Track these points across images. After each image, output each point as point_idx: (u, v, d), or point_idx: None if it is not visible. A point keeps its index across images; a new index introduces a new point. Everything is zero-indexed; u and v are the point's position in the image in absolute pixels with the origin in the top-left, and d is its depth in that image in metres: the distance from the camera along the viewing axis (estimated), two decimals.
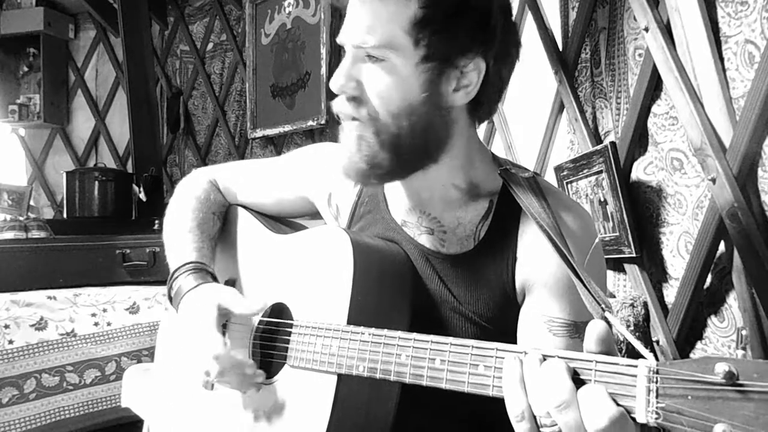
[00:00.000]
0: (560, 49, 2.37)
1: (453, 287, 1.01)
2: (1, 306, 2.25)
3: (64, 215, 4.04)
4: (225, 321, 1.08)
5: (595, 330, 0.67)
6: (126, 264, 2.68)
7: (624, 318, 1.97)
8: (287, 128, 3.72)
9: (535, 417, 0.68)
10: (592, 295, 0.81)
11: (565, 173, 2.24)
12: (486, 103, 1.01)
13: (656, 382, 0.59)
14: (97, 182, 3.83)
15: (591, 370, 0.65)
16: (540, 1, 2.47)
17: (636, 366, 0.61)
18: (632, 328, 1.97)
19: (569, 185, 2.24)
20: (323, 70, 3.41)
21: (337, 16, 3.38)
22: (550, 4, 2.43)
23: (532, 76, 2.54)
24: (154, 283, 2.65)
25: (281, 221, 1.33)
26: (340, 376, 0.90)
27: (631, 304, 1.99)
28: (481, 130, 2.76)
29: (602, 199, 2.09)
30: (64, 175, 3.97)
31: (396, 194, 1.10)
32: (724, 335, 1.81)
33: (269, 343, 1.09)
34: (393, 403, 0.95)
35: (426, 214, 1.06)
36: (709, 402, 0.56)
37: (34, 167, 5.26)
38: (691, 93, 1.77)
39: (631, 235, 2.00)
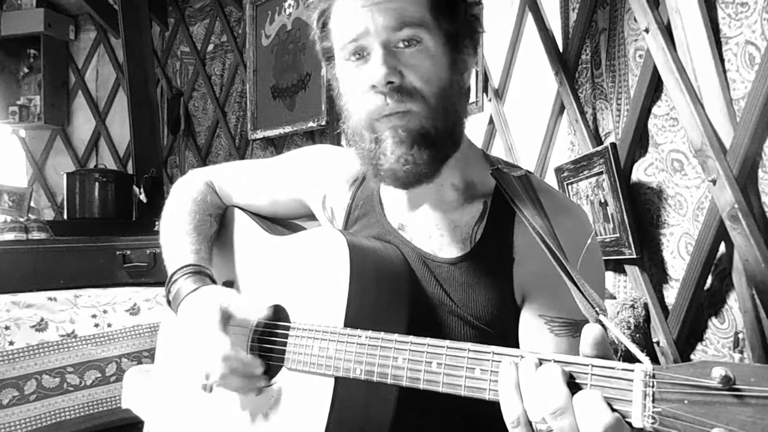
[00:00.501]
0: (561, 50, 2.37)
1: (451, 291, 1.01)
2: (1, 307, 2.25)
3: (65, 216, 4.05)
4: (226, 323, 1.08)
5: (590, 334, 0.67)
6: (126, 265, 2.68)
7: (624, 319, 1.97)
8: (287, 129, 3.72)
9: (530, 422, 0.68)
10: (586, 298, 0.80)
11: (565, 174, 2.24)
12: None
13: (652, 387, 0.59)
14: (97, 183, 3.84)
15: (587, 374, 0.64)
16: (540, 2, 2.47)
17: (632, 370, 0.61)
18: (633, 329, 1.97)
19: (570, 186, 2.24)
20: (324, 71, 3.41)
21: None
22: (551, 5, 2.43)
23: (533, 78, 2.54)
24: (154, 285, 2.66)
25: (278, 222, 1.32)
26: (337, 378, 0.90)
27: (632, 306, 1.99)
28: (482, 131, 2.76)
29: (603, 201, 2.09)
30: (65, 176, 3.97)
31: (392, 198, 1.10)
32: (724, 336, 1.80)
33: (267, 346, 1.08)
34: (391, 406, 0.94)
35: (423, 217, 1.06)
36: (705, 406, 0.55)
37: (34, 168, 5.26)
38: (692, 94, 1.77)
39: (631, 237, 2.00)
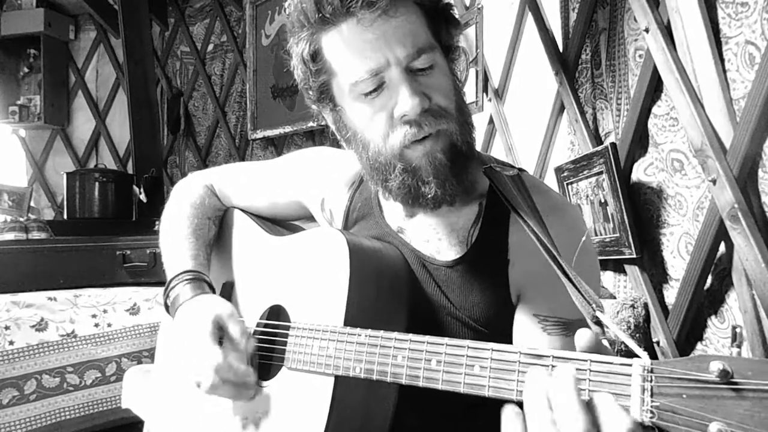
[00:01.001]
0: (561, 50, 2.37)
1: (449, 293, 1.01)
2: (1, 307, 2.25)
3: (65, 216, 4.05)
4: (221, 335, 1.06)
5: (582, 339, 0.67)
6: (126, 265, 2.68)
7: (624, 319, 1.97)
8: (288, 129, 3.72)
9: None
10: (583, 295, 0.81)
11: (565, 174, 2.24)
12: None
13: (650, 381, 0.59)
14: (97, 183, 3.84)
15: (585, 370, 0.65)
16: (540, 2, 2.47)
17: (630, 365, 0.61)
18: (633, 329, 1.97)
19: (569, 186, 2.24)
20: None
21: None
22: (551, 5, 2.43)
23: (533, 77, 2.54)
24: (154, 285, 2.66)
25: (278, 223, 1.33)
26: (337, 377, 0.90)
27: (632, 305, 1.99)
28: (482, 131, 2.76)
29: (603, 200, 2.09)
30: (65, 176, 3.97)
31: (392, 201, 1.10)
32: (724, 336, 1.81)
33: (267, 346, 1.09)
34: (390, 405, 0.95)
35: (421, 221, 1.06)
36: (703, 401, 0.56)
37: (34, 168, 5.26)
38: (692, 94, 1.77)
39: (631, 236, 2.00)
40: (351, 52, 0.92)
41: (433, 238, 1.05)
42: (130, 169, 4.49)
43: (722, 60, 1.73)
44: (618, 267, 2.17)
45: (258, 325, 1.13)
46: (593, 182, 2.12)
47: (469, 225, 1.02)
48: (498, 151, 2.69)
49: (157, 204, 3.74)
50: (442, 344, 0.78)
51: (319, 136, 3.62)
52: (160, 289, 1.22)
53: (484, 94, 2.75)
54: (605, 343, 0.70)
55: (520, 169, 1.05)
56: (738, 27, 1.68)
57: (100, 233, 3.37)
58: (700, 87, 1.77)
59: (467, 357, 0.75)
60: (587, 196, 2.17)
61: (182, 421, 1.21)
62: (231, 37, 4.29)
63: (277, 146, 3.99)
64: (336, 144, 1.17)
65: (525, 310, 0.97)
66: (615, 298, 2.13)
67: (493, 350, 0.73)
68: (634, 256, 2.01)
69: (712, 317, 1.84)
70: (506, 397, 0.71)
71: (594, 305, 0.79)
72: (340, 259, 0.96)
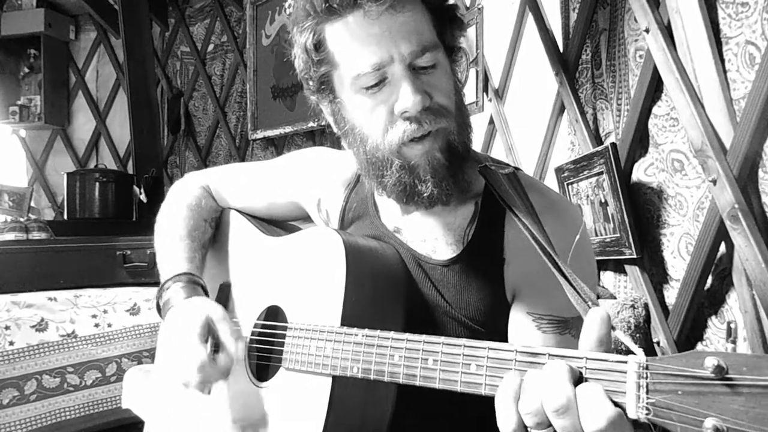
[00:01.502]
0: (561, 50, 2.37)
1: (445, 292, 1.01)
2: (1, 307, 2.25)
3: (65, 216, 4.05)
4: (209, 336, 1.06)
5: (597, 313, 0.67)
6: (126, 265, 2.68)
7: (625, 319, 1.97)
8: (288, 129, 3.72)
9: (526, 428, 0.68)
10: (578, 293, 0.81)
11: (565, 174, 2.24)
12: None
13: (646, 378, 0.59)
14: (97, 183, 3.84)
15: (582, 367, 0.65)
16: (541, 2, 2.47)
17: (626, 362, 0.61)
18: (633, 329, 1.97)
19: (570, 186, 2.24)
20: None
21: None
22: (551, 5, 2.43)
23: (533, 78, 2.54)
24: (154, 285, 2.65)
25: (274, 224, 1.33)
26: (334, 377, 0.90)
27: (632, 306, 1.99)
28: (482, 131, 2.76)
29: (603, 201, 2.09)
30: (65, 176, 3.97)
31: (387, 201, 1.10)
32: (724, 336, 1.80)
33: (265, 346, 1.09)
34: (389, 405, 0.95)
35: (417, 221, 1.06)
36: (699, 396, 0.56)
37: (34, 168, 5.26)
38: (692, 94, 1.77)
39: (631, 237, 2.00)
40: (356, 44, 0.91)
41: (429, 237, 1.05)
42: (130, 170, 4.49)
43: (722, 60, 1.73)
44: (618, 267, 2.17)
45: (255, 325, 1.13)
46: (593, 182, 2.12)
47: (465, 224, 1.02)
48: (498, 152, 2.69)
49: (157, 204, 3.70)
50: (439, 343, 0.78)
51: (319, 137, 3.62)
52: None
53: (485, 95, 2.75)
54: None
55: (516, 168, 1.05)
56: (738, 27, 1.68)
57: (101, 233, 3.37)
58: (700, 87, 1.77)
59: (464, 356, 0.75)
60: (587, 197, 2.17)
61: (182, 422, 1.21)
62: (231, 38, 4.29)
63: (277, 146, 3.99)
64: (336, 144, 1.17)
65: (520, 308, 0.98)
66: (615, 298, 2.13)
67: (489, 349, 0.73)
68: (635, 256, 2.01)
69: (713, 317, 1.84)
70: None
71: (589, 303, 0.79)
72: (336, 259, 0.96)
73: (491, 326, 1.00)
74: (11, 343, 2.24)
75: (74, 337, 2.39)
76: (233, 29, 4.30)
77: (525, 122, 2.60)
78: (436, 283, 1.02)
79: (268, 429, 1.02)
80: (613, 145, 2.02)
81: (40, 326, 2.33)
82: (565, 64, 2.33)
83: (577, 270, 0.85)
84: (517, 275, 0.99)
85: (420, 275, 1.03)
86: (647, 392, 0.59)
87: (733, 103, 1.70)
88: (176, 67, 4.79)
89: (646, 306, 2.00)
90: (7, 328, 2.24)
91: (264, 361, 1.09)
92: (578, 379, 0.65)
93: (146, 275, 2.69)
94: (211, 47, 4.50)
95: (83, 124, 5.20)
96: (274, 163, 1.32)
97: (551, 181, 2.35)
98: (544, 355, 0.68)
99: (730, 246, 1.72)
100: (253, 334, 1.13)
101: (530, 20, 2.54)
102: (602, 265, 2.22)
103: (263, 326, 1.11)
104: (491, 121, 2.74)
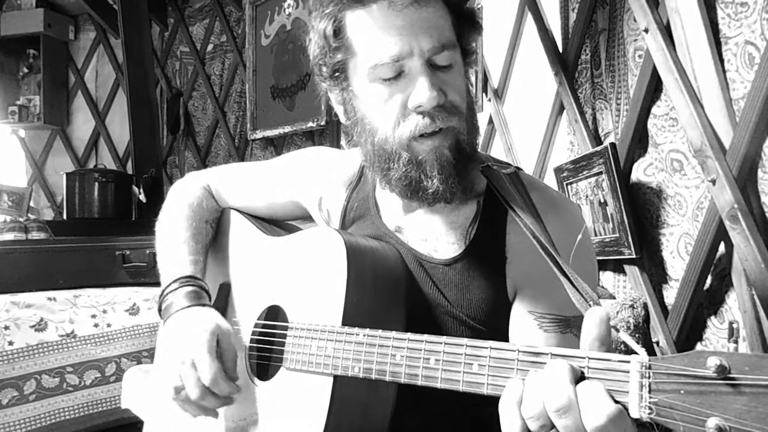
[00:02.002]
0: (560, 50, 2.37)
1: (446, 291, 1.01)
2: (1, 307, 2.25)
3: (64, 216, 4.05)
4: (217, 349, 1.06)
5: (596, 313, 0.67)
6: (126, 265, 2.68)
7: (624, 319, 1.97)
8: (287, 129, 3.72)
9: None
10: (580, 292, 0.81)
11: (565, 174, 2.24)
12: None
13: (648, 377, 0.60)
14: (97, 183, 3.84)
15: (584, 366, 0.65)
16: (540, 3, 2.47)
17: (628, 362, 0.61)
18: (632, 329, 1.97)
19: (569, 186, 2.24)
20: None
21: None
22: (551, 5, 2.44)
23: (532, 78, 2.54)
24: (154, 285, 2.65)
25: (275, 223, 1.32)
26: (335, 377, 0.90)
27: (631, 306, 1.99)
28: (481, 131, 2.76)
29: (602, 201, 2.09)
30: (64, 176, 3.97)
31: (388, 201, 1.10)
32: (724, 336, 1.81)
33: (266, 346, 1.09)
34: (390, 405, 0.95)
35: (419, 220, 1.06)
36: (701, 396, 0.56)
37: (34, 168, 5.26)
38: (691, 94, 1.77)
39: (631, 237, 2.00)
40: (378, 34, 0.91)
41: (431, 236, 1.05)
42: (129, 170, 4.49)
43: (722, 60, 1.73)
44: (617, 267, 2.17)
45: (256, 325, 1.13)
46: (593, 182, 2.12)
47: (467, 223, 1.03)
48: (498, 151, 2.69)
49: (156, 204, 3.69)
50: (441, 343, 0.78)
51: (318, 137, 3.62)
52: (160, 289, 1.21)
53: (484, 94, 2.75)
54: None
55: (517, 168, 1.05)
56: (737, 27, 1.68)
57: (100, 233, 3.36)
58: (699, 87, 1.77)
59: (466, 355, 0.75)
60: (587, 197, 2.17)
61: (181, 422, 1.21)
62: (230, 38, 4.28)
63: (276, 146, 3.99)
64: (335, 145, 1.17)
65: (521, 306, 0.98)
66: (614, 298, 2.13)
67: (491, 348, 0.73)
68: (634, 256, 2.01)
69: (712, 317, 1.84)
70: None
71: (591, 302, 0.79)
72: (337, 258, 0.96)
73: (493, 325, 1.00)
74: (10, 343, 2.24)
75: (73, 337, 2.39)
76: (232, 29, 4.30)
77: (524, 122, 2.60)
78: (437, 283, 1.02)
79: (268, 429, 1.02)
80: (613, 145, 2.02)
81: (40, 326, 2.33)
82: (564, 64, 2.33)
83: (578, 269, 0.85)
84: (518, 274, 0.99)
85: (421, 275, 1.03)
86: (650, 391, 0.59)
87: (733, 103, 1.70)
88: (175, 67, 4.79)
89: (645, 306, 2.00)
90: (6, 328, 2.24)
91: (265, 360, 1.09)
92: (579, 378, 0.65)
93: (146, 275, 2.68)
94: (210, 47, 4.50)
95: (82, 124, 5.19)
96: (274, 162, 1.32)
97: (551, 181, 2.35)
98: (547, 354, 0.68)
99: (730, 246, 1.72)
100: (254, 333, 1.13)
101: (529, 20, 2.54)
102: (602, 265, 2.22)
103: (264, 326, 1.11)
104: (490, 121, 2.74)
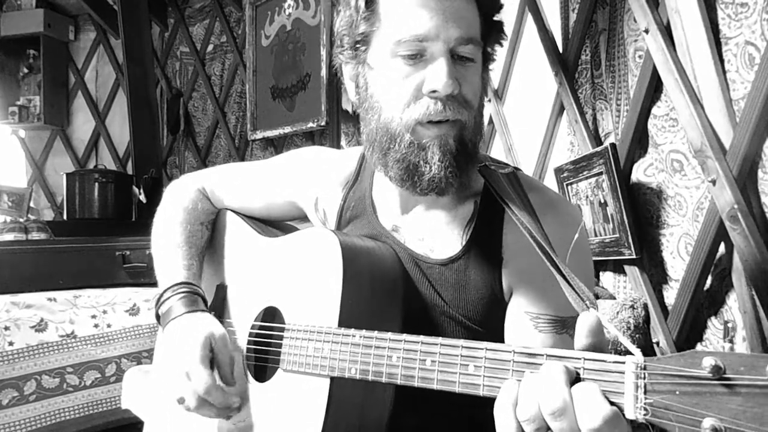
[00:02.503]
0: (560, 50, 2.37)
1: (443, 291, 1.01)
2: (1, 308, 2.25)
3: (64, 217, 4.05)
4: (211, 357, 1.07)
5: (586, 321, 0.67)
6: (126, 265, 2.68)
7: (624, 320, 1.97)
8: (287, 130, 3.72)
9: None
10: (576, 292, 0.81)
11: (565, 175, 2.24)
12: None
13: (644, 378, 0.60)
14: (97, 184, 3.84)
15: (579, 367, 0.65)
16: (540, 3, 2.47)
17: (623, 362, 0.61)
18: (632, 329, 1.97)
19: (569, 187, 2.24)
20: (323, 72, 3.41)
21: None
22: (551, 5, 2.43)
23: (532, 78, 2.54)
24: (154, 285, 2.62)
25: (271, 224, 1.32)
26: (332, 378, 0.90)
27: (631, 306, 1.99)
28: None
29: (602, 201, 2.09)
30: (64, 176, 3.97)
31: (385, 200, 1.10)
32: (722, 337, 1.80)
33: (263, 347, 1.09)
34: (387, 407, 0.94)
35: (416, 220, 1.06)
36: (696, 397, 0.56)
37: (34, 169, 5.26)
38: (691, 94, 1.77)
39: (631, 237, 2.00)
40: (408, 11, 0.92)
41: (428, 236, 1.05)
42: (129, 170, 4.49)
43: (722, 61, 1.73)
44: (618, 267, 2.17)
45: (253, 326, 1.13)
46: (593, 183, 2.12)
47: (463, 223, 1.02)
48: (498, 152, 2.69)
49: (156, 204, 3.71)
50: (437, 344, 0.78)
51: (318, 137, 3.62)
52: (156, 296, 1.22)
53: (484, 95, 2.75)
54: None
55: (516, 168, 1.05)
56: (738, 28, 1.68)
57: (100, 234, 3.37)
58: (699, 88, 1.77)
59: (461, 356, 0.75)
60: (587, 197, 2.17)
61: (181, 422, 1.21)
62: (231, 38, 4.28)
63: (276, 147, 3.99)
64: (335, 145, 1.17)
65: (517, 307, 0.98)
66: (615, 298, 2.13)
67: (487, 349, 0.73)
68: (634, 256, 2.01)
69: (712, 318, 1.84)
70: None
71: (587, 302, 0.79)
72: (333, 259, 0.96)
73: (489, 325, 1.00)
74: (11, 344, 2.24)
75: (74, 338, 2.39)
76: (233, 30, 4.30)
77: (524, 122, 2.60)
78: (433, 283, 1.02)
79: (266, 430, 1.02)
80: (613, 145, 2.02)
81: (40, 326, 2.33)
82: (564, 64, 2.33)
83: (576, 269, 0.85)
84: (515, 274, 0.99)
85: (417, 275, 1.03)
86: (645, 392, 0.59)
87: (733, 103, 1.70)
88: (176, 67, 4.79)
89: (645, 306, 2.00)
90: (6, 328, 2.24)
91: (262, 362, 1.09)
92: (575, 379, 0.65)
93: (146, 276, 2.68)
94: (210, 47, 4.50)
95: (82, 125, 5.19)
96: (270, 162, 1.32)
97: (550, 182, 2.35)
98: (542, 355, 0.68)
99: (730, 246, 1.72)
100: (250, 335, 1.12)
101: (529, 20, 2.54)
102: (602, 266, 2.22)
103: (261, 327, 1.11)
104: (490, 121, 2.74)
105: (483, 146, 2.68)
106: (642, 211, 2.04)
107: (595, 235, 2.15)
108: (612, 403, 0.61)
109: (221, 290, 1.25)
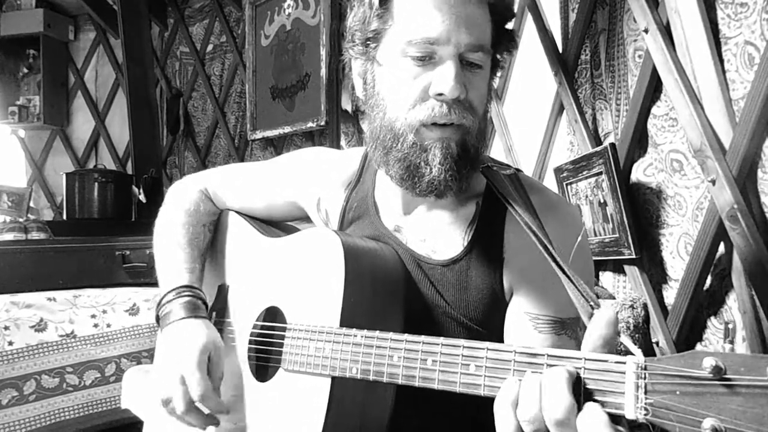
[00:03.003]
0: (560, 50, 2.37)
1: (444, 292, 1.02)
2: (0, 307, 2.25)
3: (64, 216, 4.04)
4: (208, 365, 1.08)
5: (605, 314, 0.68)
6: (126, 265, 2.68)
7: (624, 320, 1.97)
8: (287, 130, 3.72)
9: None
10: (581, 293, 0.81)
11: (564, 175, 2.24)
12: None
13: (644, 378, 0.60)
14: (96, 184, 3.83)
15: (580, 367, 0.65)
16: (540, 3, 2.47)
17: (624, 362, 0.62)
18: (632, 329, 1.97)
19: (569, 187, 2.24)
20: (323, 72, 3.41)
21: (337, 17, 3.38)
22: (550, 5, 2.43)
23: (532, 78, 2.54)
24: (154, 285, 2.65)
25: (273, 224, 1.33)
26: (333, 378, 0.91)
27: (631, 306, 1.99)
28: None
29: (602, 201, 2.09)
30: (64, 176, 3.96)
31: (387, 200, 1.10)
32: (723, 338, 1.81)
33: (264, 347, 1.09)
34: (388, 406, 0.95)
35: (418, 220, 1.06)
36: (697, 397, 0.56)
37: (33, 169, 5.26)
38: (691, 94, 1.77)
39: (630, 237, 2.00)
40: (423, 12, 0.92)
41: (429, 237, 1.05)
42: (129, 170, 4.49)
43: (721, 60, 1.73)
44: (617, 267, 2.17)
45: (254, 326, 1.13)
46: (592, 183, 2.12)
47: (465, 224, 1.03)
48: (497, 152, 2.69)
49: (156, 204, 3.69)
50: (438, 344, 0.78)
51: (318, 137, 3.62)
52: (159, 290, 1.22)
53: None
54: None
55: (517, 169, 1.06)
56: (737, 27, 1.68)
57: (100, 234, 3.36)
58: (699, 87, 1.77)
59: (462, 356, 0.75)
60: (587, 197, 2.17)
61: (182, 420, 1.21)
62: (230, 38, 4.28)
63: (276, 147, 3.99)
64: (335, 146, 1.17)
65: (517, 307, 0.98)
66: (614, 298, 2.13)
67: (488, 349, 0.73)
68: (634, 256, 2.01)
69: (712, 318, 1.84)
70: None
71: (592, 303, 0.80)
72: (335, 259, 0.96)
73: (490, 326, 1.00)
74: (10, 343, 2.24)
75: (73, 338, 2.39)
76: (232, 30, 4.29)
77: (524, 122, 2.60)
78: (435, 284, 1.02)
79: (267, 430, 1.02)
80: (612, 145, 2.02)
81: (39, 326, 2.32)
82: (564, 64, 2.33)
83: (576, 271, 0.85)
84: (515, 275, 0.99)
85: (419, 275, 1.03)
86: (646, 393, 0.59)
87: (732, 103, 1.70)
88: (175, 67, 4.78)
89: (645, 306, 2.00)
90: (6, 328, 2.24)
91: (263, 362, 1.09)
92: (576, 381, 0.65)
93: (145, 275, 2.68)
94: (210, 47, 4.50)
95: (82, 125, 5.19)
96: (272, 163, 1.32)
97: (550, 182, 2.35)
98: (543, 355, 0.68)
99: (729, 246, 1.72)
100: (252, 335, 1.13)
101: (529, 20, 2.54)
102: (601, 266, 2.22)
103: (262, 327, 1.11)
104: (490, 121, 2.74)
105: (483, 147, 2.68)
106: (642, 211, 2.04)
107: (595, 235, 2.15)
108: (610, 402, 0.62)
109: (223, 290, 1.25)
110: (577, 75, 2.32)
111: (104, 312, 2.50)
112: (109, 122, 5.07)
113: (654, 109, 1.98)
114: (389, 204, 1.10)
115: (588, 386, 0.64)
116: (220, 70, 4.43)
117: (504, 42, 1.00)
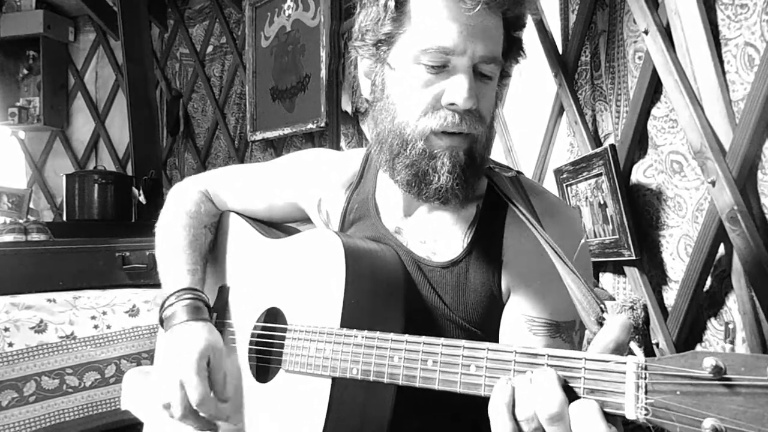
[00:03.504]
0: (560, 51, 2.37)
1: (443, 294, 1.02)
2: (0, 309, 2.25)
3: (64, 218, 4.04)
4: (208, 369, 1.08)
5: (619, 320, 0.69)
6: (126, 267, 2.68)
7: None
8: (287, 131, 3.72)
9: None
10: (589, 294, 0.81)
11: (564, 176, 2.24)
12: None
13: (645, 378, 0.60)
14: (96, 185, 3.84)
15: (580, 368, 0.65)
16: (540, 4, 2.47)
17: (624, 363, 0.62)
18: (632, 330, 1.97)
19: (569, 188, 2.24)
20: (323, 73, 3.41)
21: (338, 18, 3.38)
22: (550, 6, 2.43)
23: (532, 79, 2.54)
24: (153, 286, 2.65)
25: (274, 226, 1.33)
26: (334, 379, 0.91)
27: (631, 307, 1.99)
28: None
29: (602, 202, 2.09)
30: (64, 177, 3.97)
31: (388, 202, 1.10)
32: (723, 338, 1.80)
33: (265, 348, 1.09)
34: (388, 407, 0.95)
35: (418, 222, 1.06)
36: (697, 397, 0.56)
37: (33, 170, 5.26)
38: (691, 96, 1.77)
39: (630, 238, 2.00)
40: (440, 22, 0.91)
41: (429, 239, 1.05)
42: (129, 171, 4.49)
43: (721, 62, 1.73)
44: (617, 269, 2.17)
45: (255, 327, 1.13)
46: (592, 184, 2.12)
47: (466, 226, 1.03)
48: (498, 153, 2.69)
49: (156, 205, 3.69)
50: (438, 344, 0.78)
51: (318, 138, 3.62)
52: (160, 291, 1.22)
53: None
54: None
55: (518, 172, 1.06)
56: (737, 29, 1.68)
57: (100, 235, 3.36)
58: (699, 89, 1.77)
59: (463, 357, 0.75)
60: (586, 198, 2.17)
61: (180, 423, 1.21)
62: (230, 39, 4.29)
63: (276, 148, 3.99)
64: (334, 146, 1.17)
65: (513, 309, 0.98)
66: (614, 299, 2.13)
67: (488, 350, 0.73)
68: (634, 257, 2.01)
69: (712, 319, 1.84)
70: None
71: (601, 306, 0.80)
72: (335, 261, 0.96)
73: (489, 329, 1.00)
74: (10, 345, 2.24)
75: (73, 339, 2.39)
76: (232, 31, 4.30)
77: (524, 124, 2.60)
78: (434, 286, 1.02)
79: (268, 430, 1.02)
80: (612, 146, 2.02)
81: (39, 328, 2.32)
82: (564, 65, 2.33)
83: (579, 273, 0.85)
84: (513, 277, 0.99)
85: (419, 277, 1.03)
86: (646, 393, 0.59)
87: (732, 104, 1.70)
88: (175, 68, 4.79)
89: (645, 307, 2.00)
90: (6, 329, 2.24)
91: (264, 362, 1.09)
92: (564, 383, 0.65)
93: (145, 277, 2.68)
94: (210, 49, 4.50)
95: (82, 126, 5.19)
96: (273, 164, 1.32)
97: (550, 183, 2.35)
98: (544, 355, 0.68)
99: (729, 247, 1.72)
100: (252, 336, 1.13)
101: (529, 21, 2.53)
102: (601, 267, 2.22)
103: (263, 328, 1.11)
104: None
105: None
106: (642, 212, 2.04)
107: (595, 237, 2.15)
108: (611, 402, 0.62)
109: (224, 291, 1.25)
110: (577, 76, 2.32)
111: (104, 313, 2.50)
112: (109, 123, 5.07)
113: (654, 111, 1.98)
114: (390, 205, 1.10)
115: (588, 386, 0.64)
116: (220, 72, 4.43)
117: (513, 51, 1.02)
